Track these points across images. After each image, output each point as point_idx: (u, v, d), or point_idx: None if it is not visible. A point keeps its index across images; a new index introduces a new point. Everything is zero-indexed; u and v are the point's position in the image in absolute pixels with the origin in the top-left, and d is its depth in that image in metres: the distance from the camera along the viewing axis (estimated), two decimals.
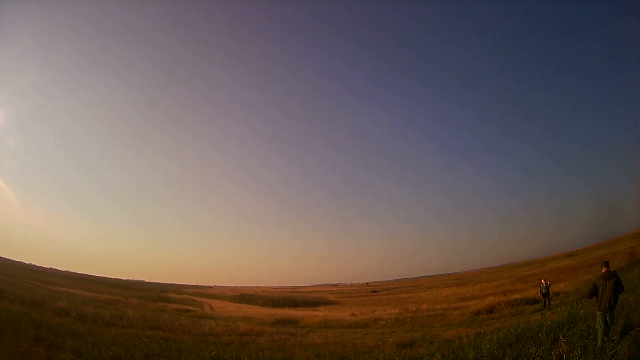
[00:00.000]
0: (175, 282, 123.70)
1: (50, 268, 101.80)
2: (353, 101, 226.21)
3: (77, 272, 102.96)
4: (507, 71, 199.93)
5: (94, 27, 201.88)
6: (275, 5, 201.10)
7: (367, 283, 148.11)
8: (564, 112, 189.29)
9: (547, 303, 34.65)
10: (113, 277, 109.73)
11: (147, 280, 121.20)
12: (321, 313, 55.48)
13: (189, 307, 58.24)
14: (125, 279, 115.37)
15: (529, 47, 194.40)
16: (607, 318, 13.71)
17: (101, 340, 22.23)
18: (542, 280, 36.29)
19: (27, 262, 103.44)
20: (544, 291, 35.11)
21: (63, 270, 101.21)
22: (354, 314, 50.14)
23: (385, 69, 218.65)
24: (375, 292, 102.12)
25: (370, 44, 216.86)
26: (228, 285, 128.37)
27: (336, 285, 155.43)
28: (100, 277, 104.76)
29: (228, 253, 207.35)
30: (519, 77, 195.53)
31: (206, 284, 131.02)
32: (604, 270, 14.36)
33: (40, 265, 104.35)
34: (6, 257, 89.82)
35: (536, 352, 13.99)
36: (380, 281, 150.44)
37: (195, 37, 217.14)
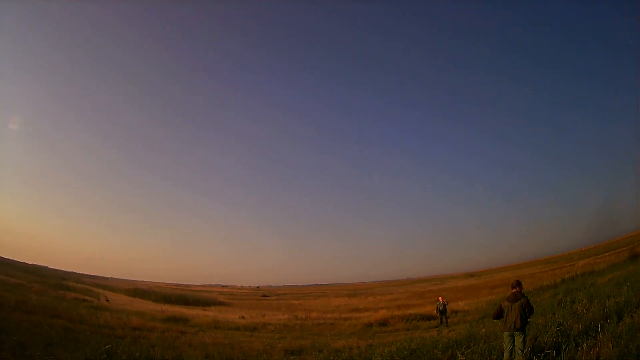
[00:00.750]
0: (75, 271, 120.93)
1: None
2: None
3: None
4: (507, 71, 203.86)
5: (93, 27, 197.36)
6: (272, 5, 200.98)
7: (258, 287, 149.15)
8: (561, 112, 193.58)
9: (443, 320, 34.39)
10: (19, 260, 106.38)
11: (49, 266, 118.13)
12: (211, 313, 55.32)
13: (86, 297, 57.93)
14: (30, 263, 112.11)
15: (529, 46, 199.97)
16: (515, 340, 13.01)
17: (7, 325, 23.10)
18: (440, 298, 36.06)
19: None
20: (440, 308, 34.84)
21: None
22: (243, 317, 49.96)
23: (383, 68, 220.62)
24: (265, 296, 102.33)
25: (373, 43, 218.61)
26: (124, 278, 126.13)
27: (226, 286, 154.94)
28: (9, 259, 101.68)
29: (126, 246, 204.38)
30: (518, 77, 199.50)
31: (104, 275, 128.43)
32: (513, 290, 13.69)
33: None
34: None
35: None
36: (271, 286, 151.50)
37: (196, 36, 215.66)
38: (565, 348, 12.93)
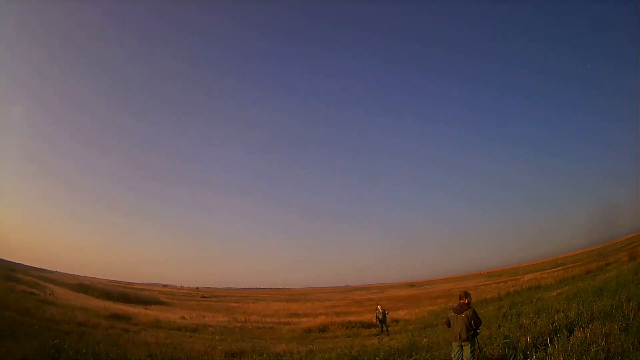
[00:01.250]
0: (22, 262, 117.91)
1: None
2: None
3: None
4: (507, 70, 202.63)
5: (93, 26, 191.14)
6: (273, 4, 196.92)
7: (197, 288, 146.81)
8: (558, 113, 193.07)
9: (384, 329, 34.49)
10: None
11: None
12: (152, 312, 54.42)
13: (34, 290, 56.63)
14: None
15: (528, 46, 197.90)
16: (463, 350, 13.24)
17: None
18: (378, 307, 36.12)
19: None
20: (380, 317, 34.95)
21: None
22: (184, 317, 49.95)
23: (381, 68, 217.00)
24: (205, 297, 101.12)
25: (374, 43, 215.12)
26: (68, 273, 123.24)
27: (167, 286, 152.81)
28: None
29: (71, 239, 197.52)
30: (517, 74, 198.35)
31: (49, 268, 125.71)
32: (461, 301, 13.82)
33: None
34: None
35: None
36: (210, 287, 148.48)
37: (196, 35, 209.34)
38: (513, 359, 13.07)
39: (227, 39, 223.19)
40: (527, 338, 15.11)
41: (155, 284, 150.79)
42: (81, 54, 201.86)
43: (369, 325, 37.56)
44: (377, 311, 35.26)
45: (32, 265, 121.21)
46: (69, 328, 28.65)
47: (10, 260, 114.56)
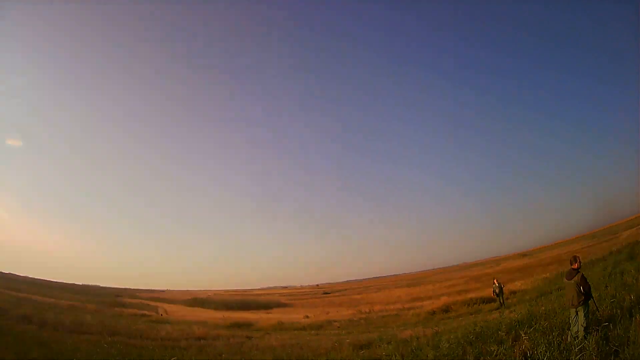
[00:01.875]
0: (128, 287, 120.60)
1: (8, 273, 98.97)
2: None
3: (35, 277, 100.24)
4: (508, 70, 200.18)
5: (93, 26, 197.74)
6: (274, 3, 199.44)
7: (318, 285, 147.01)
8: (559, 109, 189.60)
9: (502, 302, 34.50)
10: (69, 282, 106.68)
11: (101, 285, 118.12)
12: (275, 315, 55.21)
13: (144, 312, 57.43)
14: (80, 283, 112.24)
15: (529, 43, 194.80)
16: (578, 315, 13.41)
17: (65, 348, 22.41)
18: (495, 280, 36.26)
19: None
20: (497, 291, 35.10)
21: (21, 275, 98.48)
22: (307, 316, 49.91)
23: (382, 67, 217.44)
24: (327, 293, 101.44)
25: (374, 43, 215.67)
26: (180, 289, 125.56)
27: (286, 287, 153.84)
28: (57, 282, 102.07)
29: (178, 257, 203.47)
30: (516, 74, 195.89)
31: (159, 288, 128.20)
32: (571, 267, 13.95)
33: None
34: None
35: (498, 350, 13.76)
36: (330, 283, 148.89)
37: (197, 35, 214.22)
38: (620, 319, 13.32)
39: (227, 39, 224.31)
40: (630, 296, 15.27)
41: (274, 287, 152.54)
42: (81, 54, 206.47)
43: (489, 300, 37.68)
44: (494, 285, 35.50)
45: (140, 288, 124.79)
46: (187, 344, 29.00)
47: (115, 286, 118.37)
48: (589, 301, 13.54)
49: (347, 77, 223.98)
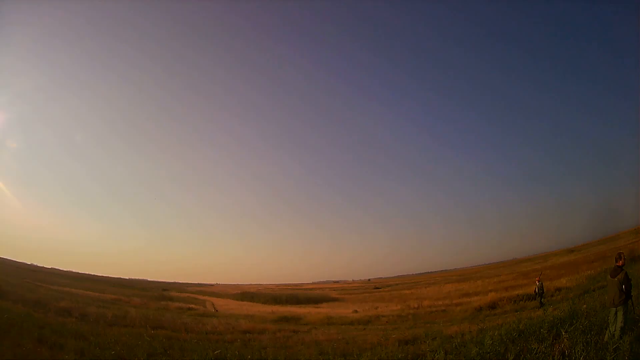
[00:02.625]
0: (177, 281, 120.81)
1: (52, 268, 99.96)
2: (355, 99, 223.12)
3: (79, 271, 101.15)
4: (508, 70, 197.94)
5: (94, 26, 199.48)
6: (277, 4, 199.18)
7: (369, 280, 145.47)
8: (565, 110, 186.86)
9: (542, 302, 34.27)
10: (115, 276, 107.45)
11: (149, 279, 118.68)
12: (323, 310, 55.09)
13: (191, 306, 57.84)
14: (127, 277, 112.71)
15: (530, 46, 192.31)
16: (617, 315, 13.57)
17: (103, 340, 22.43)
18: (537, 279, 36.23)
19: (29, 263, 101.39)
20: (537, 290, 35.10)
21: (65, 270, 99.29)
22: (356, 311, 49.82)
23: (387, 68, 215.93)
24: (377, 288, 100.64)
25: (374, 42, 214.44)
26: (230, 283, 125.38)
27: (338, 282, 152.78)
28: (102, 276, 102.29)
29: (230, 251, 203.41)
30: (519, 76, 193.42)
31: (208, 282, 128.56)
32: (616, 264, 14.15)
33: (42, 265, 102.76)
34: (8, 258, 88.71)
35: (538, 348, 13.88)
36: (381, 278, 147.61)
37: (198, 36, 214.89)
38: None
39: (228, 39, 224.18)
40: None
41: (326, 282, 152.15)
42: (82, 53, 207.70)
43: (534, 297, 37.07)
44: (536, 284, 35.53)
45: (189, 282, 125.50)
46: (233, 337, 28.97)
47: (163, 280, 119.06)
48: (629, 300, 13.61)
49: (350, 76, 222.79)
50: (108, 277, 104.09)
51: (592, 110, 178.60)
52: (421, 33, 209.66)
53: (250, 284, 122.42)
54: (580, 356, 12.40)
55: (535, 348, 14.04)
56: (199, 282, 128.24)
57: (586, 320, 15.96)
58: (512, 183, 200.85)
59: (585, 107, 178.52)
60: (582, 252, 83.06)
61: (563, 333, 14.74)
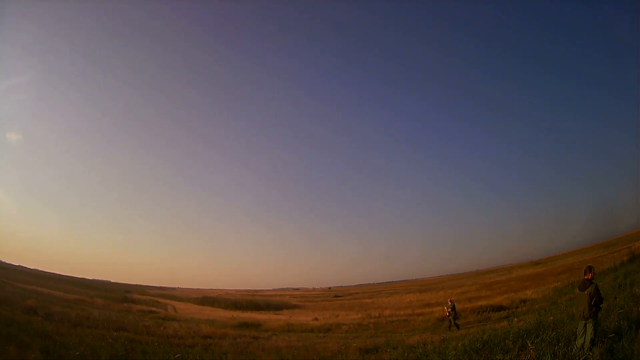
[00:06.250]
0: (139, 283, 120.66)
1: (18, 266, 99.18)
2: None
3: (45, 270, 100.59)
4: (503, 73, 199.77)
5: (93, 25, 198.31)
6: (274, 5, 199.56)
7: (330, 288, 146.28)
8: (560, 113, 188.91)
9: (452, 323, 33.03)
10: (79, 276, 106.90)
11: (112, 281, 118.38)
12: (284, 317, 54.79)
13: (153, 309, 57.24)
14: (90, 278, 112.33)
15: (528, 48, 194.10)
16: (587, 328, 13.23)
17: (68, 340, 22.58)
18: (449, 300, 35.05)
19: None
20: (449, 311, 33.46)
21: (31, 268, 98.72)
22: (316, 318, 49.84)
23: (382, 70, 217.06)
24: (338, 296, 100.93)
25: (368, 45, 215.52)
26: (191, 287, 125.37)
27: (298, 289, 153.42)
28: (67, 276, 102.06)
29: (192, 255, 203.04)
30: (514, 78, 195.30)
31: (170, 286, 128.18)
32: (585, 277, 13.79)
33: (9, 262, 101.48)
34: None
35: (503, 359, 13.67)
36: (342, 286, 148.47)
37: (195, 35, 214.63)
38: (627, 332, 13.20)
39: (228, 39, 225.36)
40: (639, 308, 15.16)
41: (286, 289, 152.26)
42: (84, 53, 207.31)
43: (499, 308, 37.51)
44: (447, 305, 34.10)
45: (151, 285, 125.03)
46: (193, 341, 29.13)
47: (125, 282, 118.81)
48: (598, 314, 13.33)
49: (351, 78, 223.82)
50: (72, 276, 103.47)
51: (592, 110, 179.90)
52: (418, 34, 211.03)
53: (211, 289, 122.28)
54: None
55: (500, 359, 13.86)
56: (161, 285, 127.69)
57: (553, 332, 15.73)
58: (476, 195, 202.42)
59: (584, 107, 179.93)
60: (548, 265, 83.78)
61: (529, 344, 14.60)
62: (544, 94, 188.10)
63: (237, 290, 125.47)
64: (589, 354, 12.39)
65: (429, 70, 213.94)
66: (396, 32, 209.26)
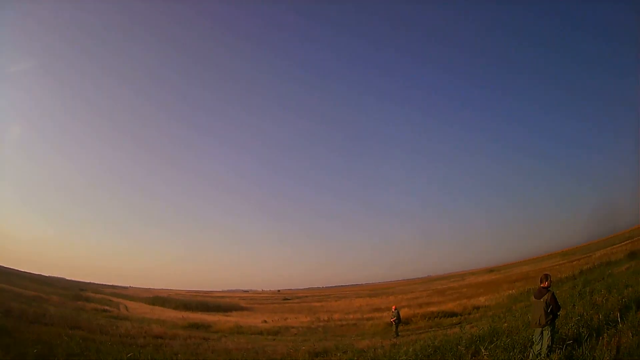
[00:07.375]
0: (93, 281, 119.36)
1: None
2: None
3: (4, 265, 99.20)
4: (502, 72, 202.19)
5: (93, 24, 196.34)
6: (271, 4, 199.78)
7: (279, 291, 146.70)
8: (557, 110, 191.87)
9: (396, 331, 32.78)
10: (36, 272, 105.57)
11: (67, 278, 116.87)
12: (233, 319, 54.79)
13: (106, 307, 56.92)
14: (47, 275, 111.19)
15: (525, 48, 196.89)
16: (543, 336, 13.02)
17: (26, 338, 22.98)
18: (393, 307, 35.14)
19: None
20: (393, 319, 33.42)
21: None
22: (265, 321, 49.55)
23: (382, 70, 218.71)
24: (287, 299, 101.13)
25: (364, 43, 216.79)
26: (143, 287, 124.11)
27: (247, 291, 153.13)
28: (25, 272, 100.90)
29: (143, 255, 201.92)
30: (514, 78, 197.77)
31: (122, 285, 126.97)
32: (541, 285, 13.54)
33: None
34: None
35: None
36: (291, 289, 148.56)
37: (194, 35, 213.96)
38: (587, 339, 12.98)
39: (229, 39, 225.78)
40: (599, 315, 15.06)
41: (235, 290, 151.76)
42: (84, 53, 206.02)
43: (451, 314, 37.72)
44: (392, 312, 34.15)
45: (104, 283, 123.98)
46: (145, 341, 28.77)
47: (79, 280, 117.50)
48: (555, 321, 13.17)
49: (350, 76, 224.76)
50: (30, 272, 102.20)
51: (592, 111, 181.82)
52: (417, 31, 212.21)
53: (162, 289, 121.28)
54: None
55: None
56: (114, 283, 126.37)
57: (508, 338, 15.53)
58: (432, 200, 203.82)
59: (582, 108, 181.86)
60: (502, 272, 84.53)
61: (483, 350, 14.49)
62: (544, 94, 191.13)
63: (187, 291, 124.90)
64: None
65: (426, 65, 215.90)
66: (391, 32, 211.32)
